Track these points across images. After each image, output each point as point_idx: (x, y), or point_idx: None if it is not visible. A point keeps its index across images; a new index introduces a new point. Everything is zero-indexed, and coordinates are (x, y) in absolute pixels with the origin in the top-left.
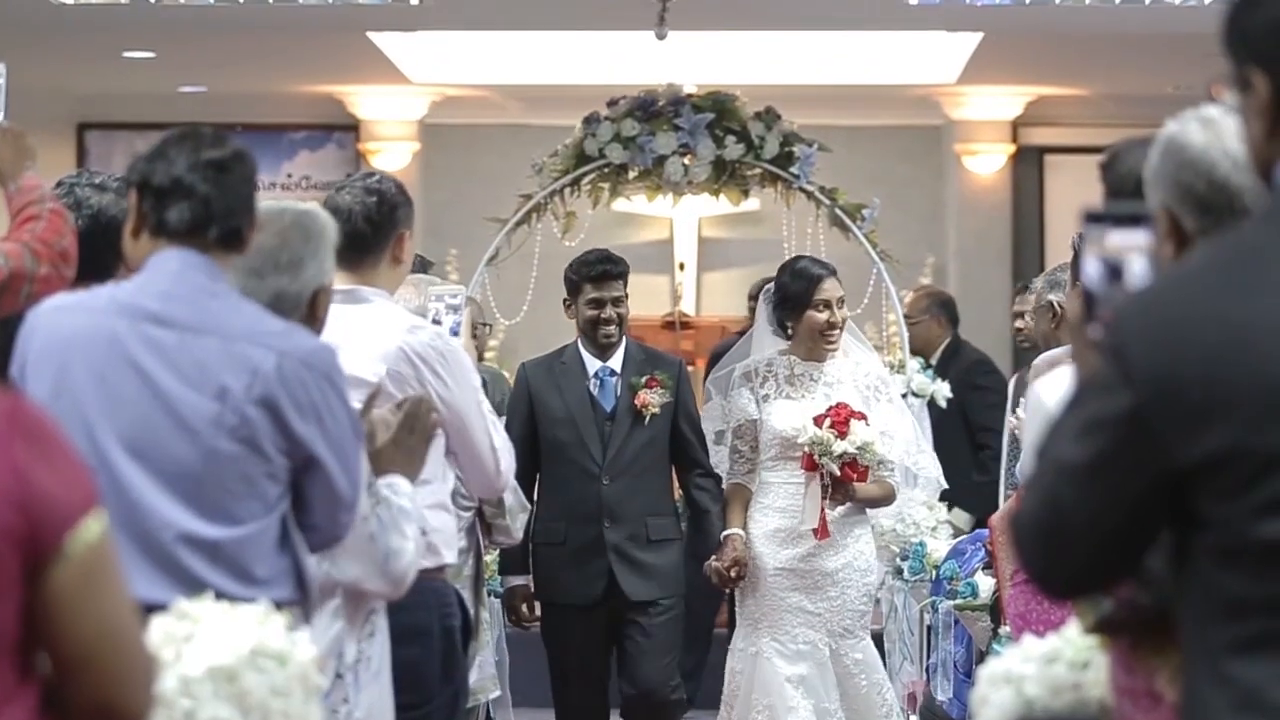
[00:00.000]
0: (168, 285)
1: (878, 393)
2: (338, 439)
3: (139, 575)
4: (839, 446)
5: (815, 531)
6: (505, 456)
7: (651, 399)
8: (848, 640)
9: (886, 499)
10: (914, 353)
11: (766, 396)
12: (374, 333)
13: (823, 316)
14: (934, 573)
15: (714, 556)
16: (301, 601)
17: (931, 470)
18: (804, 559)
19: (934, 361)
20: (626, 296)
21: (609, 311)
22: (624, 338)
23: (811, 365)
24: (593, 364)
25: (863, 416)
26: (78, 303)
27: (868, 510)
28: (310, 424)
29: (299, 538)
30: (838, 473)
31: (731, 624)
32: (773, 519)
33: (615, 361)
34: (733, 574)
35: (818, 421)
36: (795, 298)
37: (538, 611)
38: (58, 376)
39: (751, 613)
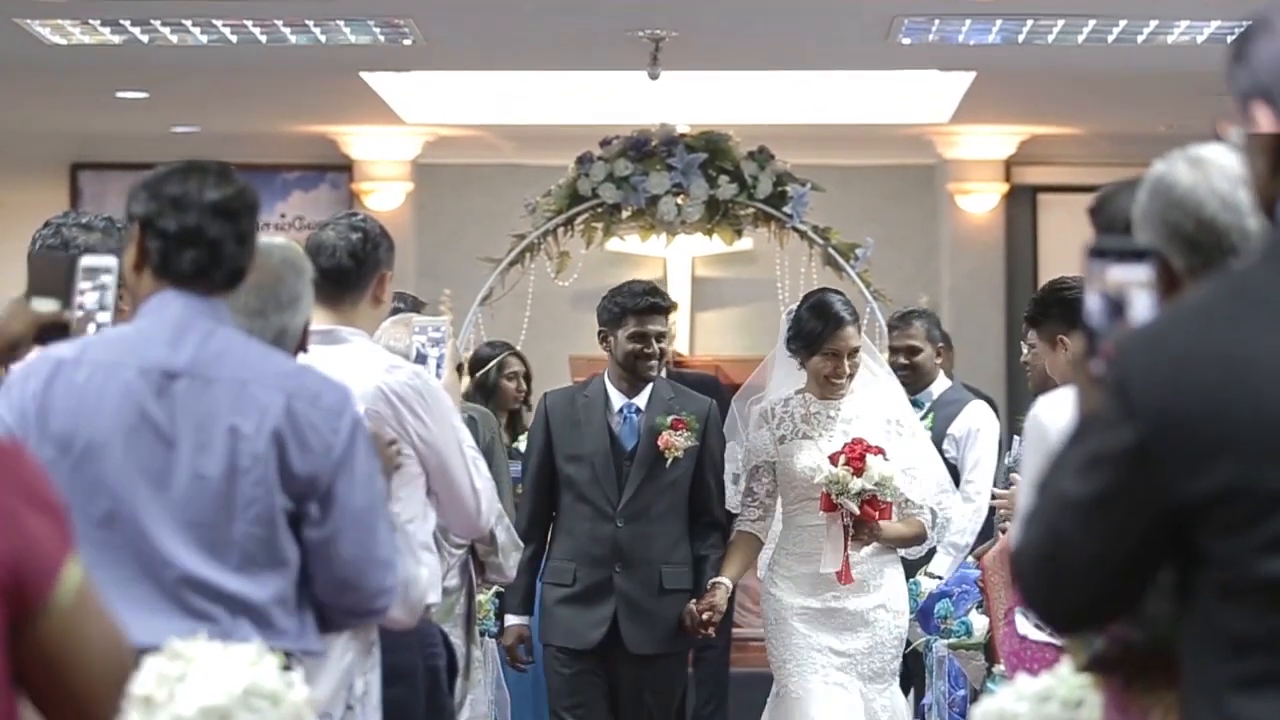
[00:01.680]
0: (172, 332)
1: (899, 426)
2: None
3: (166, 626)
4: (856, 484)
5: (838, 575)
6: (486, 497)
7: (676, 441)
8: (875, 685)
9: (917, 538)
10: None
11: (783, 438)
12: (352, 373)
13: (829, 366)
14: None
15: (694, 600)
16: (323, 650)
17: (954, 512)
18: (830, 601)
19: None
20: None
21: (653, 346)
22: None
23: (828, 403)
24: (618, 399)
25: (880, 451)
26: (81, 353)
27: (898, 550)
28: (324, 463)
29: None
30: (857, 511)
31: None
32: (797, 565)
33: (641, 399)
34: (704, 617)
35: (833, 459)
36: (808, 337)
37: (537, 653)
38: (67, 431)
39: (780, 658)
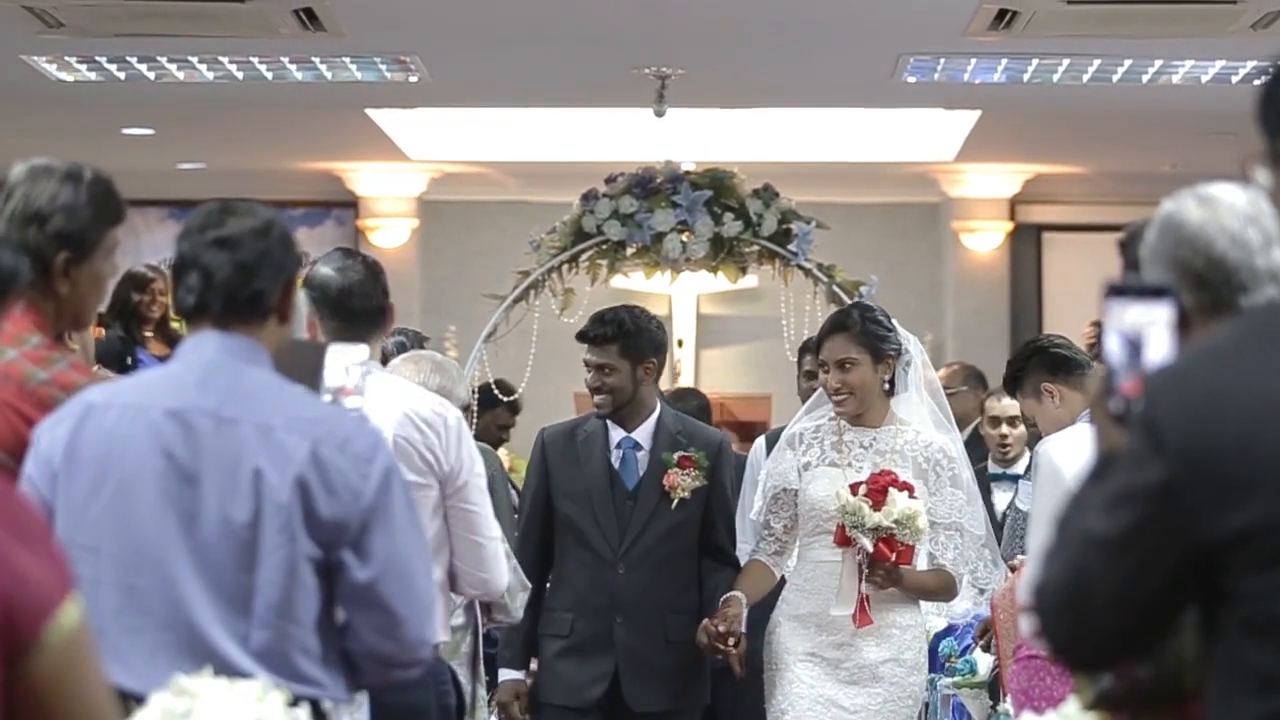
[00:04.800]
0: (202, 374)
1: (939, 468)
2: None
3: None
4: (873, 518)
5: (853, 617)
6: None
7: (682, 481)
8: None
9: (944, 592)
10: None
11: (808, 464)
12: (380, 400)
13: (823, 377)
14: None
15: (708, 617)
16: (350, 700)
17: (996, 584)
18: (838, 647)
19: (964, 437)
20: (619, 367)
21: (595, 379)
22: (659, 405)
23: (862, 431)
24: (616, 433)
25: (907, 486)
26: (111, 397)
27: (921, 602)
28: (352, 509)
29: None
30: (870, 549)
31: None
32: (805, 601)
33: (643, 433)
34: (721, 629)
35: (853, 489)
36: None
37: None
38: (97, 473)
39: (779, 709)
